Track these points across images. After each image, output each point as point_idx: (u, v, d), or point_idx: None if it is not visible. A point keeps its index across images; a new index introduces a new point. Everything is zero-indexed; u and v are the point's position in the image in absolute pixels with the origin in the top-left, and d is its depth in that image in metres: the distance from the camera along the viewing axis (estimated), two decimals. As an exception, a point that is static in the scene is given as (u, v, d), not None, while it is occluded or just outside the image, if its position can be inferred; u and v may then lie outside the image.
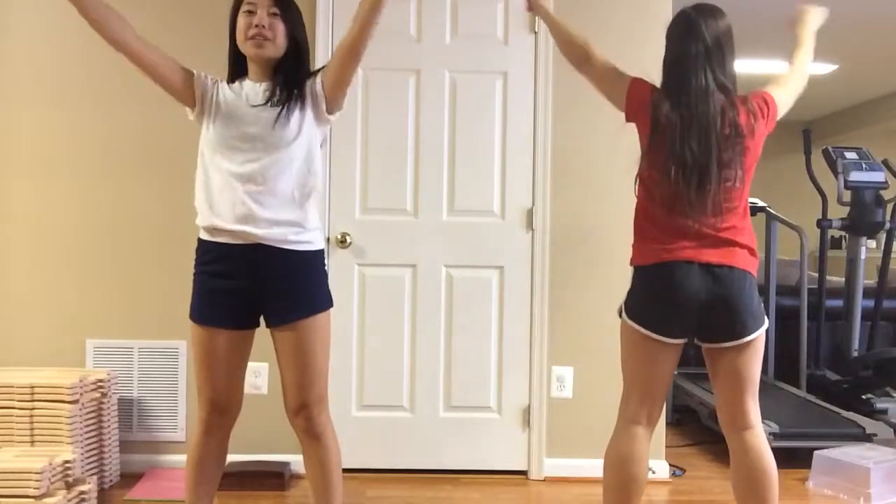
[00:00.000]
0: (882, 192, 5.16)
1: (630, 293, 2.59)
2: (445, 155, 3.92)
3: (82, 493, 3.10)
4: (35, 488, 2.84)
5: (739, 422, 2.55)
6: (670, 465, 3.99)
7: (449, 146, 3.93)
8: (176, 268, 3.81)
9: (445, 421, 3.94)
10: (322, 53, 3.81)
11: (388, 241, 3.91)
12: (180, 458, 3.61)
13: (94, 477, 3.31)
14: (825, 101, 8.66)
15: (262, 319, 2.53)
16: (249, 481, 3.59)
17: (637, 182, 2.57)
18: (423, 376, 3.93)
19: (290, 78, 2.47)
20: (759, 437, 2.54)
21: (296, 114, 2.44)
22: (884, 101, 8.41)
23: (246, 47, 2.46)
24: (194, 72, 2.52)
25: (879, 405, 4.76)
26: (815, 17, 2.86)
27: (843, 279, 5.33)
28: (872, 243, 5.66)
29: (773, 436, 4.03)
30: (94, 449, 3.47)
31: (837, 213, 5.31)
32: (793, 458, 3.98)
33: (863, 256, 5.21)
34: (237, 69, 2.55)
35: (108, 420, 3.58)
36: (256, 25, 2.42)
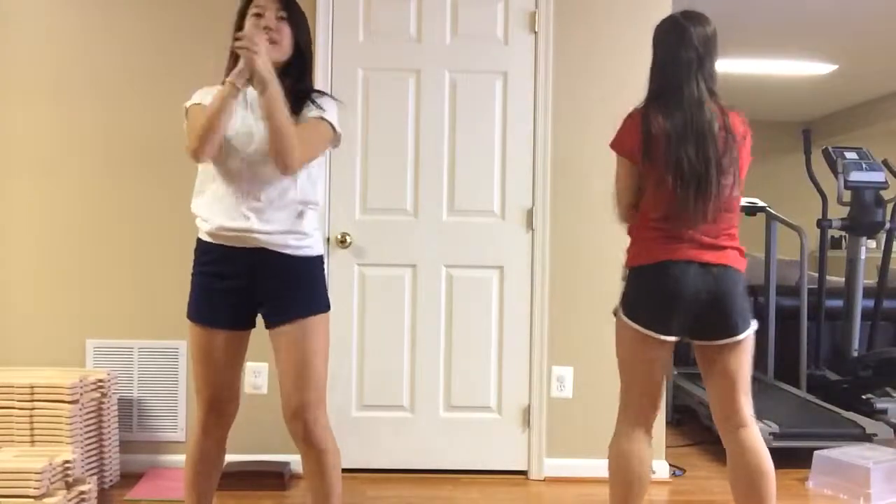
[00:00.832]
0: (882, 192, 5.16)
1: (627, 293, 2.60)
2: (445, 155, 3.92)
3: (82, 493, 3.10)
4: (35, 488, 2.84)
5: (734, 420, 2.56)
6: (670, 465, 4.00)
7: (449, 146, 3.93)
8: (176, 268, 3.82)
9: (445, 421, 3.94)
10: (322, 56, 3.81)
11: (388, 241, 3.91)
12: (180, 458, 3.62)
13: (94, 477, 3.31)
14: (825, 101, 8.66)
15: (259, 322, 2.53)
16: (249, 481, 3.59)
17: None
18: (423, 376, 3.93)
19: (296, 86, 2.46)
20: (755, 434, 2.56)
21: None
22: (884, 101, 8.41)
23: None
24: (203, 102, 2.45)
25: (879, 405, 4.76)
26: None
27: (843, 279, 5.33)
28: (872, 243, 5.67)
29: (773, 436, 4.03)
30: (94, 449, 3.47)
31: (837, 213, 5.31)
32: (793, 458, 3.99)
33: (863, 256, 5.21)
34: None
35: (108, 420, 3.58)
36: (265, 28, 2.41)
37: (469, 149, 3.93)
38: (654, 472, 3.65)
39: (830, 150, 5.19)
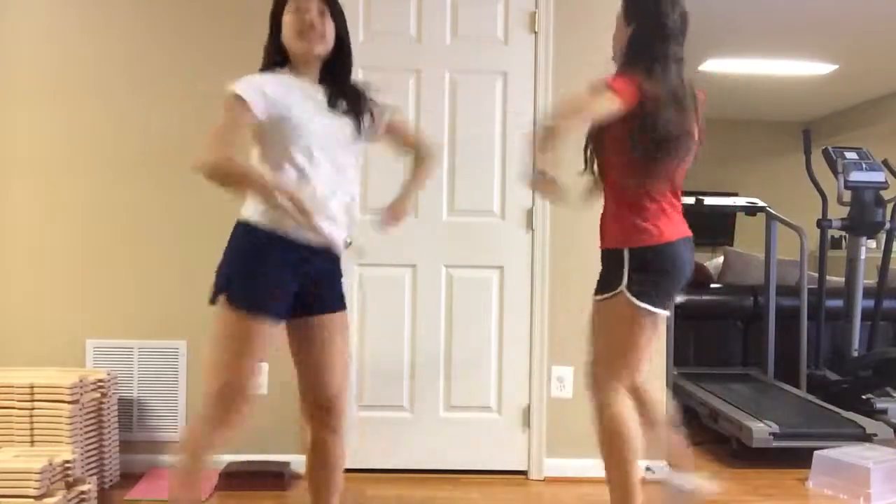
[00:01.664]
0: (882, 192, 5.17)
1: (646, 278, 2.61)
2: (445, 155, 3.92)
3: (82, 493, 3.10)
4: (35, 488, 2.84)
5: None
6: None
7: (449, 146, 3.93)
8: (176, 268, 3.83)
9: (445, 421, 3.94)
10: (322, 53, 3.82)
11: (388, 241, 3.91)
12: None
13: (94, 477, 3.32)
14: (825, 101, 8.67)
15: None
16: (249, 481, 3.59)
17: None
18: (423, 376, 3.93)
19: (341, 81, 2.49)
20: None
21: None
22: (884, 101, 8.42)
23: (298, 44, 2.41)
24: (248, 100, 2.32)
25: (879, 405, 4.76)
26: None
27: (843, 279, 5.33)
28: (872, 243, 5.67)
29: (773, 436, 4.04)
30: (94, 449, 3.47)
31: (837, 213, 5.31)
32: (793, 458, 3.99)
33: (863, 256, 5.21)
34: (273, 68, 2.48)
35: (108, 420, 3.58)
36: (311, 23, 2.40)
37: (469, 149, 3.93)
38: (653, 472, 3.65)
39: (830, 150, 5.19)
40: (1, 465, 2.88)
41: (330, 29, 2.44)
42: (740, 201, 5.84)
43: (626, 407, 2.66)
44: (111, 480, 3.61)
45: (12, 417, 3.25)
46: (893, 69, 7.31)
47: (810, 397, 4.85)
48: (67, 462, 3.02)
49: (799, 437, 4.12)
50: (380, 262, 3.92)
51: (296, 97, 2.39)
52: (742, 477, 3.97)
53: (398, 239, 3.91)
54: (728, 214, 9.07)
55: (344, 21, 2.51)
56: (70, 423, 3.25)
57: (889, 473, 3.66)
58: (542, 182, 2.48)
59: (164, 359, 3.84)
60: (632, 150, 2.56)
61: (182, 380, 3.83)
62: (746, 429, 4.11)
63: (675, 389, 5.02)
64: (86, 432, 3.39)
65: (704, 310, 5.43)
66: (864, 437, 4.13)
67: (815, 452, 3.87)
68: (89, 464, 3.43)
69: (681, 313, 4.80)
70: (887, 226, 5.20)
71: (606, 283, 2.66)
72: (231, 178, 2.26)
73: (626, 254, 2.60)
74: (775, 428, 4.08)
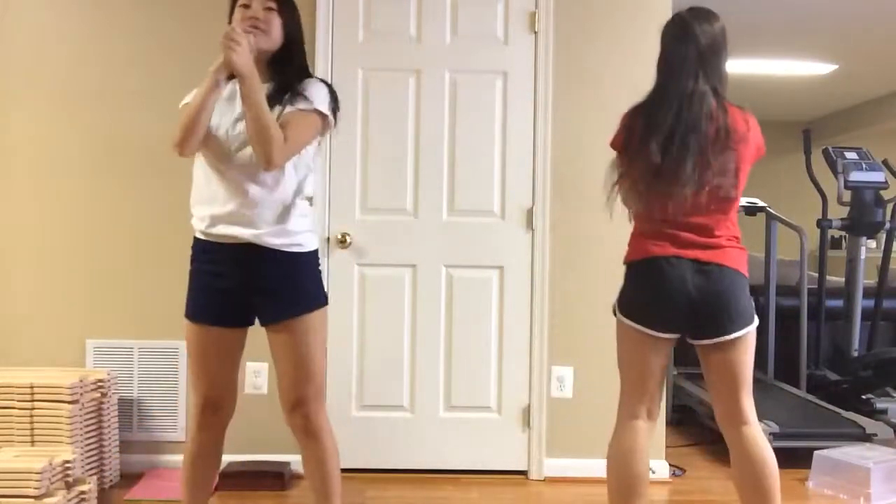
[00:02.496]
0: (882, 192, 5.16)
1: (622, 290, 2.62)
2: (445, 155, 3.92)
3: (82, 493, 3.10)
4: (35, 488, 2.83)
5: (736, 418, 2.56)
6: (670, 465, 3.99)
7: (449, 146, 3.92)
8: (176, 268, 3.80)
9: (445, 421, 3.94)
10: (322, 56, 3.82)
11: (388, 241, 3.91)
12: (180, 458, 3.60)
13: (94, 477, 3.31)
14: (825, 101, 8.67)
15: (254, 320, 2.54)
16: (249, 481, 3.59)
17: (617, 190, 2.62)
18: (423, 376, 3.93)
19: (281, 77, 2.46)
20: (757, 432, 2.56)
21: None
22: (884, 101, 8.41)
23: None
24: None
25: (879, 405, 4.75)
26: None
27: (843, 279, 5.33)
28: (872, 243, 5.66)
29: (773, 436, 4.03)
30: (94, 449, 3.47)
31: (837, 213, 5.31)
32: (793, 458, 3.98)
33: (863, 256, 5.21)
34: None
35: (108, 420, 3.58)
36: (251, 17, 2.42)
37: (469, 149, 3.93)
38: (653, 472, 3.65)
39: (830, 150, 5.19)
40: (1, 465, 2.88)
41: (275, 25, 2.45)
42: (740, 201, 5.83)
43: (617, 439, 2.60)
44: (111, 480, 3.61)
45: (12, 417, 3.25)
46: (893, 69, 7.30)
47: (810, 397, 4.85)
48: (67, 462, 3.02)
49: (799, 437, 4.12)
50: (380, 262, 3.92)
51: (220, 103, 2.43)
52: (742, 477, 3.97)
53: (398, 239, 3.91)
54: (728, 214, 9.04)
55: (295, 17, 2.52)
56: (70, 423, 3.25)
57: (889, 473, 3.66)
58: None
59: (164, 359, 3.83)
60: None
61: (182, 380, 3.82)
62: (746, 429, 4.11)
63: (675, 389, 5.02)
64: (86, 432, 3.39)
65: (704, 310, 5.42)
66: (864, 437, 4.13)
67: (815, 452, 3.87)
68: (89, 464, 3.43)
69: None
70: (887, 226, 5.20)
71: None
72: (193, 113, 2.36)
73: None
74: (775, 428, 4.08)
